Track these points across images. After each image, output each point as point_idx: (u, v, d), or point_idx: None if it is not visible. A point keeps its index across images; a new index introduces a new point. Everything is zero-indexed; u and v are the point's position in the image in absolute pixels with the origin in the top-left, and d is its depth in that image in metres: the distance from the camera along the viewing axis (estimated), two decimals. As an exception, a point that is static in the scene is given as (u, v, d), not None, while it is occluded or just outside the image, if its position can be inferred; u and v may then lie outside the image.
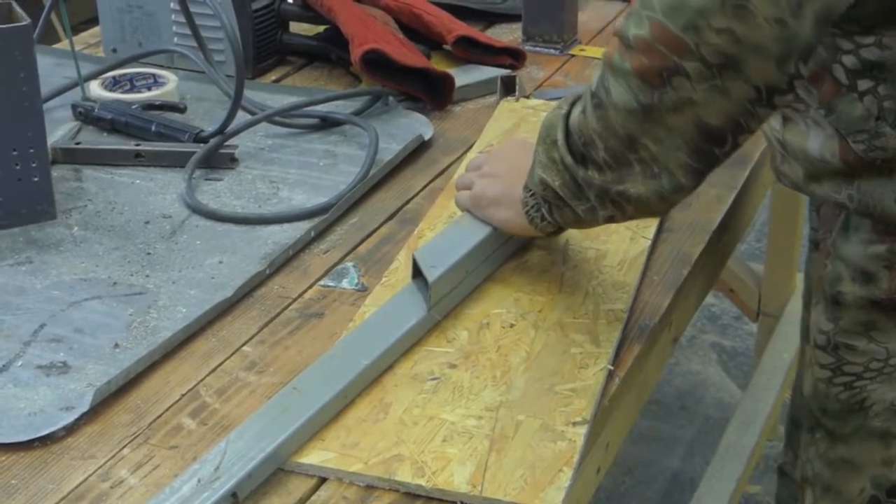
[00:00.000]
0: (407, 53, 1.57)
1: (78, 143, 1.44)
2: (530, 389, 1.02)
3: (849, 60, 1.01)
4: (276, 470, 0.94)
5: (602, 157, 1.02)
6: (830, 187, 1.06)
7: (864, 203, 1.05)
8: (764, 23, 0.92)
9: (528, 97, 1.58)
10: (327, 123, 1.52)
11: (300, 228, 1.28)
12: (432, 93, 1.57)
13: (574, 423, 0.98)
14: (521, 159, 1.14)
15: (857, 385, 1.12)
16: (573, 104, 1.07)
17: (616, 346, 1.08)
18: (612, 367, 1.05)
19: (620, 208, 1.04)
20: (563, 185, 1.06)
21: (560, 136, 1.05)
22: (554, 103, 1.51)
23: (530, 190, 1.11)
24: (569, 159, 1.04)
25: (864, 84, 1.01)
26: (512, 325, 1.11)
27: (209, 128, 1.46)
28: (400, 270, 1.19)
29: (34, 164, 1.27)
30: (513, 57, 1.69)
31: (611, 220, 1.07)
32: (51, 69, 1.63)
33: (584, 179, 1.04)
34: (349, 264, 1.23)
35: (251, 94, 1.55)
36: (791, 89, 0.97)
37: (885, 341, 1.09)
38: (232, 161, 1.42)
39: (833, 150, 1.04)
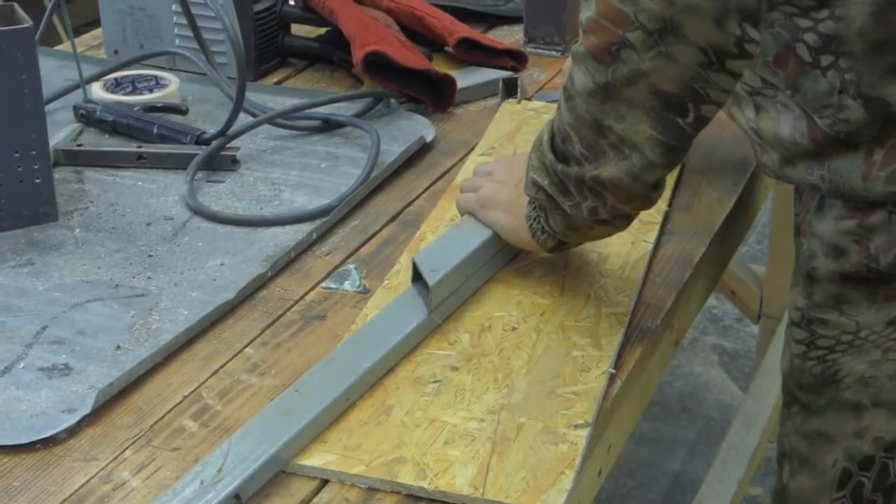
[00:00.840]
0: (408, 55, 1.57)
1: (80, 145, 1.44)
2: (532, 392, 1.02)
3: (810, 38, 1.02)
4: (278, 472, 0.94)
5: (579, 150, 1.05)
6: (804, 169, 1.08)
7: (834, 182, 1.07)
8: None
9: (529, 99, 1.58)
10: (329, 125, 1.52)
11: (302, 230, 1.28)
12: (434, 95, 1.57)
13: (576, 426, 0.98)
14: None
15: (829, 358, 1.14)
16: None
17: (618, 349, 1.08)
18: (613, 371, 1.05)
19: (599, 196, 1.06)
20: (551, 184, 1.09)
21: (545, 137, 1.09)
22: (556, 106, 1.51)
23: (532, 202, 1.13)
24: (550, 157, 1.08)
25: (826, 59, 1.02)
26: (514, 328, 1.11)
27: (211, 130, 1.46)
28: (402, 273, 1.19)
29: (36, 166, 1.27)
30: (514, 59, 1.69)
31: (594, 212, 1.08)
32: (52, 71, 1.63)
33: (563, 172, 1.07)
34: (351, 266, 1.23)
35: (253, 96, 1.55)
36: (743, 53, 0.98)
37: (854, 314, 1.11)
38: (233, 163, 1.42)
39: (802, 130, 1.06)
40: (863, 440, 1.15)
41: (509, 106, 1.56)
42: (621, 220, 1.11)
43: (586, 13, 1.00)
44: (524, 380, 1.04)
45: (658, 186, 1.07)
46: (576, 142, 1.05)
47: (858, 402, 1.14)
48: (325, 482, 0.94)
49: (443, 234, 1.21)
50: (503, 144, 1.44)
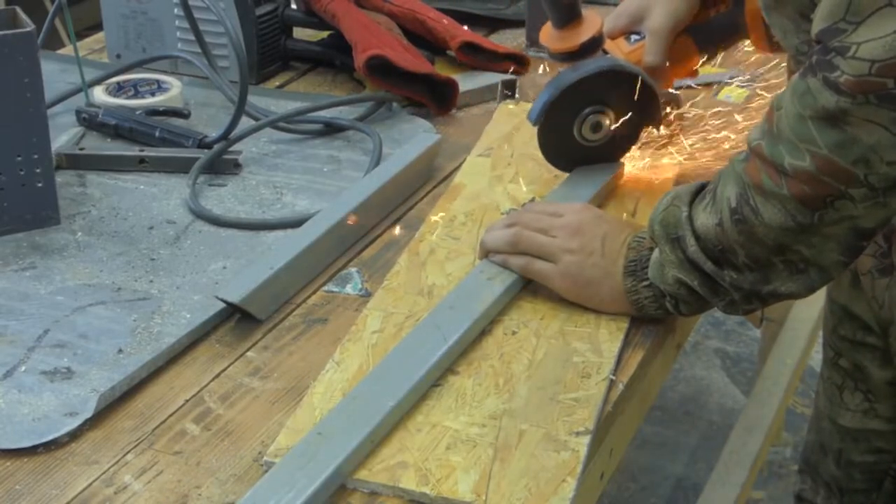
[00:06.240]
0: (411, 59, 1.57)
1: (82, 149, 1.44)
2: (533, 398, 1.02)
3: None
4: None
5: (742, 262, 1.04)
6: None
7: None
8: None
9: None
10: (331, 129, 1.52)
11: (304, 234, 1.27)
12: (436, 98, 1.57)
13: (577, 434, 0.97)
14: (614, 237, 1.13)
15: None
16: (691, 204, 1.07)
17: (618, 355, 1.08)
18: (613, 377, 1.05)
19: (766, 302, 1.06)
20: (702, 285, 1.07)
21: (691, 240, 1.06)
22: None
23: (649, 283, 1.10)
24: (710, 266, 1.05)
25: None
26: (514, 333, 1.11)
27: (213, 133, 1.46)
28: (401, 274, 1.19)
29: (38, 170, 1.27)
30: (516, 63, 1.69)
31: (750, 311, 1.08)
32: (55, 75, 1.63)
33: (732, 283, 1.05)
34: (353, 270, 1.23)
35: (255, 99, 1.55)
36: None
37: None
38: (236, 166, 1.42)
39: None
40: None
41: (506, 107, 1.56)
42: None
43: (792, 160, 0.96)
44: (525, 385, 1.03)
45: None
46: (741, 255, 1.03)
47: None
48: (326, 486, 0.93)
49: (468, 280, 1.16)
50: (501, 145, 1.44)
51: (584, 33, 1.26)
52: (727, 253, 1.04)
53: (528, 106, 1.54)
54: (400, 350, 1.05)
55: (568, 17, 1.26)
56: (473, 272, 1.16)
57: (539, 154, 1.34)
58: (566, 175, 1.34)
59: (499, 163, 1.40)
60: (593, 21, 1.27)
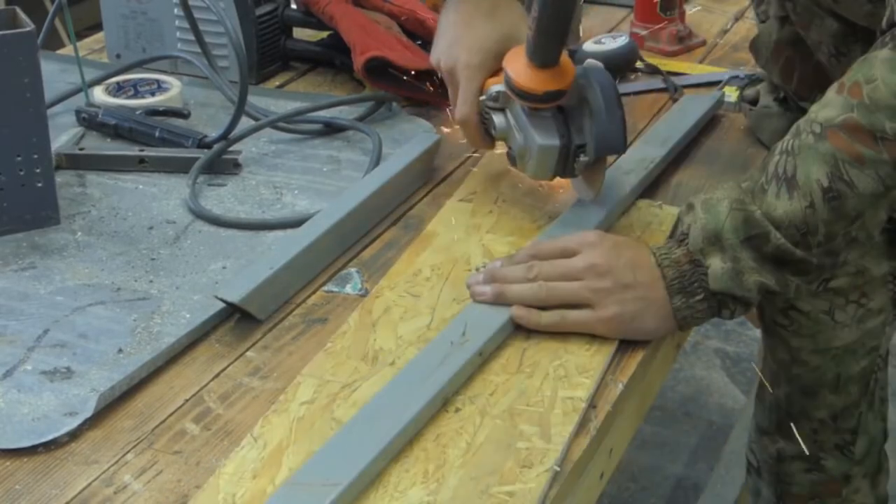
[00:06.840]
0: (410, 56, 1.57)
1: (82, 149, 1.44)
2: (462, 490, 0.90)
3: None
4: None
5: (817, 241, 1.07)
6: None
7: None
8: None
9: None
10: (331, 129, 1.52)
11: (304, 234, 1.28)
12: (438, 92, 1.57)
13: None
14: (641, 261, 1.10)
15: None
16: (753, 198, 1.08)
17: (568, 443, 0.96)
18: (558, 468, 0.93)
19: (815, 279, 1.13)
20: (778, 281, 1.09)
21: (774, 234, 1.07)
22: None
23: (703, 297, 1.09)
24: (799, 252, 1.08)
25: None
26: (458, 410, 0.99)
27: (213, 133, 1.46)
28: (348, 335, 1.10)
29: (38, 170, 1.27)
30: (516, 62, 1.68)
31: (797, 290, 1.12)
32: (55, 75, 1.63)
33: (818, 266, 1.09)
34: (353, 269, 1.23)
35: (255, 99, 1.55)
36: None
37: None
38: (235, 166, 1.42)
39: None
40: None
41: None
42: None
43: (893, 124, 1.03)
44: (457, 474, 0.92)
45: None
46: (821, 234, 1.07)
47: None
48: None
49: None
50: (486, 189, 1.36)
51: (554, 83, 1.20)
52: (807, 235, 1.07)
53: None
54: (384, 394, 0.98)
55: (549, 57, 1.21)
56: (434, 343, 1.05)
57: (526, 200, 1.30)
58: (548, 225, 1.25)
59: (480, 209, 1.31)
60: (567, 72, 1.21)
